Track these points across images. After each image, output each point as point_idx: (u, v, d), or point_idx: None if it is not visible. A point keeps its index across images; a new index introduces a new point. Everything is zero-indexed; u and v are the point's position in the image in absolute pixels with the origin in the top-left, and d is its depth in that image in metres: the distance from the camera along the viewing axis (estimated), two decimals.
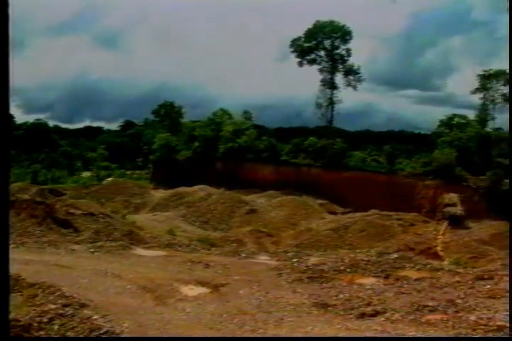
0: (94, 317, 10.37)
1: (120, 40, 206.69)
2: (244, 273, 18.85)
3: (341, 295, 15.61)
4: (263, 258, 24.49)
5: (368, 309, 13.93)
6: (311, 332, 11.46)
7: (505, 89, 77.27)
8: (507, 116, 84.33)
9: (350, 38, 79.53)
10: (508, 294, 15.31)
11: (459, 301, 14.54)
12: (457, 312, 13.46)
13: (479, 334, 11.27)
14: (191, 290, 15.50)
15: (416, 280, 18.25)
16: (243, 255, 24.86)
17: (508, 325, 11.74)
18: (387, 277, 18.77)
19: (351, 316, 13.40)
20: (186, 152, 75.65)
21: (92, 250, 20.59)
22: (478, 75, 78.58)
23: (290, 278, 18.28)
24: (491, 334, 11.16)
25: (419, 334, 11.20)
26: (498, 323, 11.84)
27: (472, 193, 61.16)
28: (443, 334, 11.25)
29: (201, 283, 16.37)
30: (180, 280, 16.42)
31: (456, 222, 49.85)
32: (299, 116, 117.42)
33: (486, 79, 77.69)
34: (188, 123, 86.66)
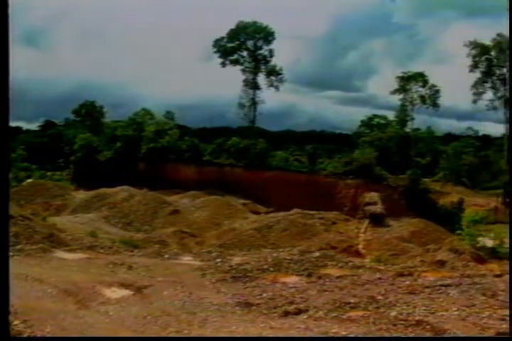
0: (15, 322, 10.13)
1: (40, 38, 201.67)
2: (167, 275, 18.77)
3: (265, 294, 15.72)
4: (187, 258, 24.44)
5: (291, 307, 14.08)
6: (236, 331, 11.50)
7: (423, 91, 79.35)
8: (423, 117, 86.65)
9: (273, 39, 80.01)
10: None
11: (380, 297, 14.86)
12: (378, 308, 13.76)
13: (399, 329, 11.53)
14: (114, 293, 15.32)
15: (338, 277, 18.55)
16: (166, 256, 24.75)
17: (425, 319, 12.07)
18: (309, 275, 19.02)
19: (275, 315, 13.50)
20: (108, 152, 74.52)
21: (11, 253, 20.05)
22: (398, 77, 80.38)
23: (214, 278, 18.30)
24: (410, 329, 11.44)
25: (342, 331, 11.36)
26: (417, 318, 12.15)
27: (392, 192, 62.41)
28: (364, 330, 11.45)
29: (124, 285, 16.20)
30: (102, 282, 16.21)
31: (376, 220, 50.80)
32: (222, 116, 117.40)
33: (406, 81, 79.51)
34: (110, 123, 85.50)
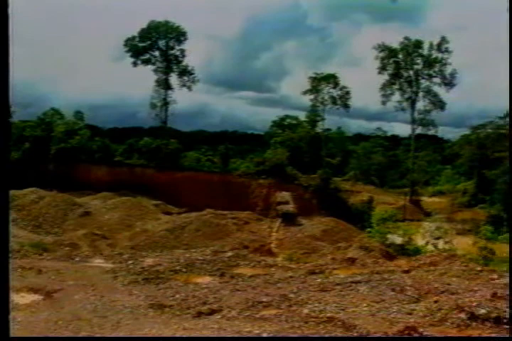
0: None
1: None
2: (78, 278, 18.47)
3: (177, 296, 15.68)
4: (98, 261, 24.10)
5: (205, 308, 14.09)
6: (149, 333, 11.42)
7: (335, 92, 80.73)
8: (334, 117, 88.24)
9: (185, 39, 79.61)
10: None
11: (292, 295, 15.04)
12: (290, 306, 13.92)
13: (311, 326, 11.70)
14: (23, 298, 14.97)
15: (250, 277, 18.68)
16: (77, 259, 24.35)
17: (336, 315, 12.29)
18: (222, 275, 19.08)
19: (188, 316, 13.49)
20: (16, 153, 72.30)
21: None
22: (310, 77, 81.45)
23: (126, 280, 18.12)
24: (321, 326, 11.62)
25: (255, 330, 11.44)
26: (329, 315, 12.36)
27: (303, 191, 63.23)
28: (277, 328, 11.56)
29: (33, 290, 15.85)
30: (10, 288, 15.79)
31: (289, 220, 51.25)
32: (133, 116, 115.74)
33: (318, 82, 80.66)
34: (18, 123, 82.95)
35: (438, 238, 42.54)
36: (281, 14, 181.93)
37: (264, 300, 14.52)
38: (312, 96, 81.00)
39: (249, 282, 17.70)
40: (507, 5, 6.44)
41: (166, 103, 79.13)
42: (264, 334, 11.10)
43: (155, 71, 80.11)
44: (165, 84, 79.77)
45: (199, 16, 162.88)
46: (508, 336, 10.58)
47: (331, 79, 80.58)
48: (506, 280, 17.16)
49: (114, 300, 15.00)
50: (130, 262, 22.20)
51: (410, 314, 12.69)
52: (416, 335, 10.73)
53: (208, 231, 44.16)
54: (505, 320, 11.70)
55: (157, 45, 79.41)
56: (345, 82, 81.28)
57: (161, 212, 55.46)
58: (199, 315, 13.50)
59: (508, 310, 12.21)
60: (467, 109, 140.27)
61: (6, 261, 4.97)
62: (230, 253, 23.74)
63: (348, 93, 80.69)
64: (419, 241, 43.05)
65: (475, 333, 11.26)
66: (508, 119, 76.46)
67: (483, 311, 12.12)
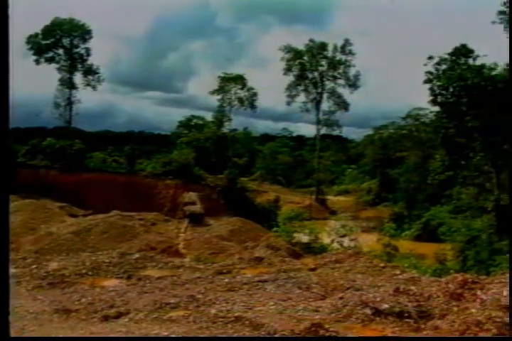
0: None
1: None
2: None
3: (84, 299, 15.42)
4: None
5: (112, 311, 13.92)
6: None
7: (242, 93, 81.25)
8: (241, 118, 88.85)
9: (90, 37, 78.47)
10: None
11: (200, 296, 15.05)
12: (198, 306, 13.93)
13: (219, 326, 11.76)
14: None
15: (158, 278, 18.56)
16: None
17: (244, 315, 12.38)
18: (129, 277, 18.88)
19: (95, 320, 13.30)
20: None
21: None
22: (219, 77, 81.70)
23: (30, 285, 17.67)
24: (229, 326, 11.70)
25: (163, 332, 11.40)
26: (236, 314, 12.45)
27: (210, 191, 63.32)
28: (185, 330, 11.56)
29: None
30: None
31: (196, 220, 51.22)
32: (36, 116, 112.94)
33: (226, 82, 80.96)
34: None
35: (343, 236, 43.52)
36: (190, 14, 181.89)
37: (171, 301, 14.48)
38: (219, 97, 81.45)
39: (157, 284, 17.59)
40: (507, 5, 6.55)
41: (70, 102, 77.84)
42: (173, 336, 11.09)
43: (59, 70, 78.66)
44: (69, 83, 78.38)
45: (105, 15, 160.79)
46: (508, 336, 10.82)
47: (239, 79, 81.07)
48: (408, 275, 17.73)
49: (18, 306, 14.60)
50: (34, 266, 21.64)
51: (317, 311, 12.92)
52: (323, 331, 10.95)
53: (115, 233, 43.56)
54: (406, 314, 12.09)
55: (61, 43, 77.77)
56: (253, 83, 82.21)
57: (67, 215, 54.28)
58: (106, 318, 13.34)
59: (409, 304, 12.61)
60: (370, 109, 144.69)
61: (6, 261, 4.87)
62: (137, 255, 23.50)
63: (255, 94, 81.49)
64: (325, 240, 43.95)
65: (379, 327, 11.58)
66: (409, 120, 79.13)
67: (386, 306, 12.47)
